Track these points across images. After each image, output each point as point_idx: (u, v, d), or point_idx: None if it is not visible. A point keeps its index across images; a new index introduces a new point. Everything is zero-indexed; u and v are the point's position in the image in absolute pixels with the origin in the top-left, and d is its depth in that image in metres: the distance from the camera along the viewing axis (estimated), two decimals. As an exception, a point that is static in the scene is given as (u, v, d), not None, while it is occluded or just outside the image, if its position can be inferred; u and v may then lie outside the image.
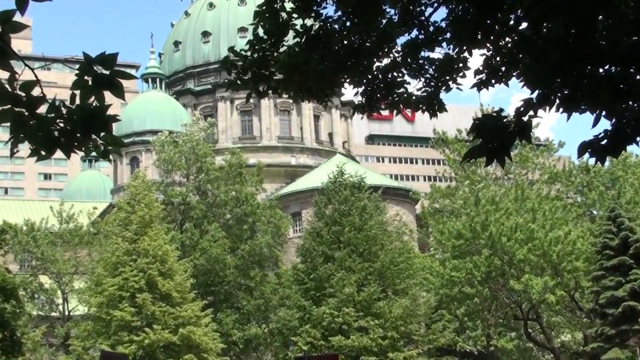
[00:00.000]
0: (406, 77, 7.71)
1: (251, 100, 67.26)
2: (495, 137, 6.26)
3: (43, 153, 4.37)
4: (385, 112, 8.10)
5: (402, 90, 7.63)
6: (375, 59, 7.51)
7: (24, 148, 4.57)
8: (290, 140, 72.38)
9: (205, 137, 48.72)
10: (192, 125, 48.12)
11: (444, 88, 7.54)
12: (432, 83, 7.53)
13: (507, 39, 6.83)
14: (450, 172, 49.69)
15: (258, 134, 71.53)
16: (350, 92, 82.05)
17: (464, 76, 7.51)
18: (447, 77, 7.49)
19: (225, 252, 41.49)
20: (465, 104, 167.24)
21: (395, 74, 7.59)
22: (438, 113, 7.72)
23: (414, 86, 7.66)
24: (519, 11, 6.53)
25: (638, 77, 6.02)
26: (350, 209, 37.30)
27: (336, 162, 42.34)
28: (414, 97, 7.62)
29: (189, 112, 67.78)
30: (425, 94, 7.60)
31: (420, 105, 7.65)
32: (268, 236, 43.55)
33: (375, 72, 7.60)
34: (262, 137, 71.02)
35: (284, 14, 7.40)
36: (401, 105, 7.76)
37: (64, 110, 4.35)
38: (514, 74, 6.90)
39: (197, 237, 41.74)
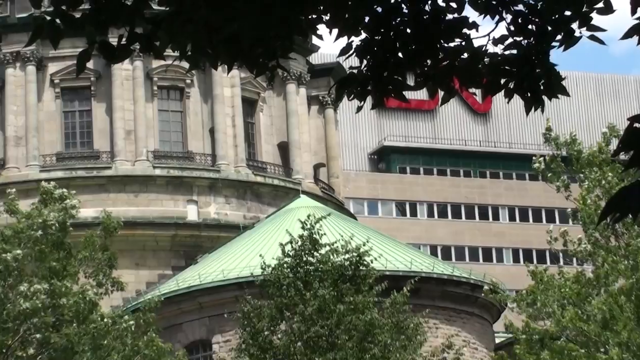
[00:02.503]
0: (468, 12, 7.89)
1: (90, 66, 66.59)
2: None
3: None
4: (415, 95, 8.25)
5: (457, 42, 7.78)
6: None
7: None
8: (186, 162, 72.39)
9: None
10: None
11: (558, 37, 7.70)
12: (530, 26, 7.70)
13: None
14: (583, 241, 49.93)
15: (105, 146, 71.43)
16: (332, 46, 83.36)
17: (608, 10, 7.68)
18: (569, 12, 7.67)
19: None
20: (614, 71, 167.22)
21: (441, 3, 7.76)
22: (546, 98, 7.86)
23: (487, 33, 7.82)
24: None
25: None
26: (334, 333, 37.55)
27: (298, 217, 42.43)
28: (486, 61, 7.77)
29: None
30: (515, 51, 7.76)
31: (504, 80, 7.80)
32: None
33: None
34: (116, 154, 70.89)
35: None
36: (456, 79, 7.90)
37: None
38: None
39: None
